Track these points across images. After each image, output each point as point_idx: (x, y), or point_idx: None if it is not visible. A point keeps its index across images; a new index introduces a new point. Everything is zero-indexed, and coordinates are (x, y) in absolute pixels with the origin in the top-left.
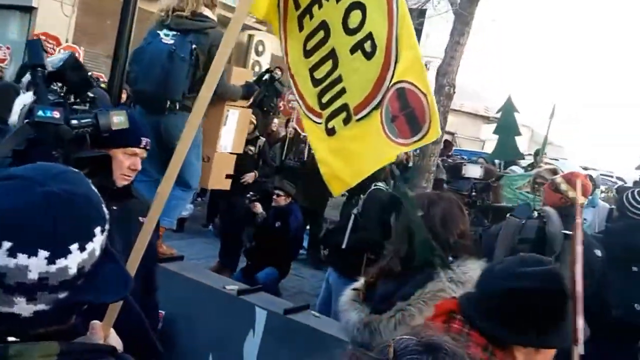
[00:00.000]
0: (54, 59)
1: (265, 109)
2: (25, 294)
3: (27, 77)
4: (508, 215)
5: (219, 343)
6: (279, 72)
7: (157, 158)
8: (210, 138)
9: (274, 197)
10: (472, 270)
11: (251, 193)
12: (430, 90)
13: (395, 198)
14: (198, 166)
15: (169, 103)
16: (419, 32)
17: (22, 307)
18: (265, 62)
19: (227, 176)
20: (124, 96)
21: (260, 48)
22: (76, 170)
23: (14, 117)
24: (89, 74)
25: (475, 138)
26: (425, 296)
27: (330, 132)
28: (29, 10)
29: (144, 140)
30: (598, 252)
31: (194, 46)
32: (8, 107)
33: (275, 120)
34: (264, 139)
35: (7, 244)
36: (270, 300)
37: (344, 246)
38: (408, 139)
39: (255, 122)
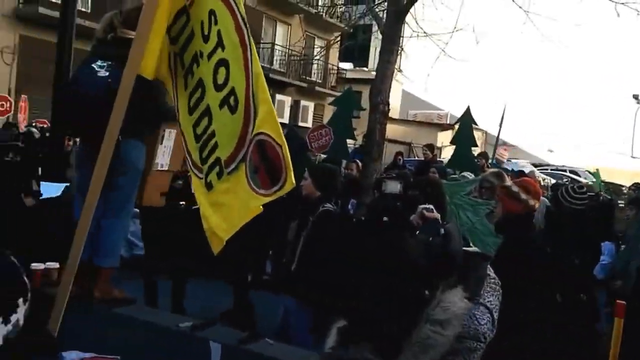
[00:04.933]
0: None
1: None
2: None
3: None
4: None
5: None
6: None
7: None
8: (146, 156)
9: None
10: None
11: None
12: (284, 141)
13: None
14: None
15: None
16: (366, 48)
17: None
18: None
19: (162, 194)
20: None
21: None
22: None
23: None
24: (33, 122)
25: None
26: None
27: (209, 186)
28: None
29: None
30: None
31: None
32: None
33: None
34: None
35: None
36: (226, 331)
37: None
38: (269, 189)
39: None
